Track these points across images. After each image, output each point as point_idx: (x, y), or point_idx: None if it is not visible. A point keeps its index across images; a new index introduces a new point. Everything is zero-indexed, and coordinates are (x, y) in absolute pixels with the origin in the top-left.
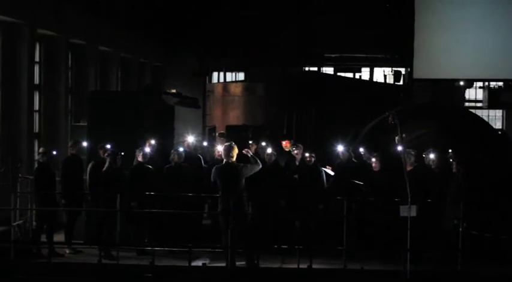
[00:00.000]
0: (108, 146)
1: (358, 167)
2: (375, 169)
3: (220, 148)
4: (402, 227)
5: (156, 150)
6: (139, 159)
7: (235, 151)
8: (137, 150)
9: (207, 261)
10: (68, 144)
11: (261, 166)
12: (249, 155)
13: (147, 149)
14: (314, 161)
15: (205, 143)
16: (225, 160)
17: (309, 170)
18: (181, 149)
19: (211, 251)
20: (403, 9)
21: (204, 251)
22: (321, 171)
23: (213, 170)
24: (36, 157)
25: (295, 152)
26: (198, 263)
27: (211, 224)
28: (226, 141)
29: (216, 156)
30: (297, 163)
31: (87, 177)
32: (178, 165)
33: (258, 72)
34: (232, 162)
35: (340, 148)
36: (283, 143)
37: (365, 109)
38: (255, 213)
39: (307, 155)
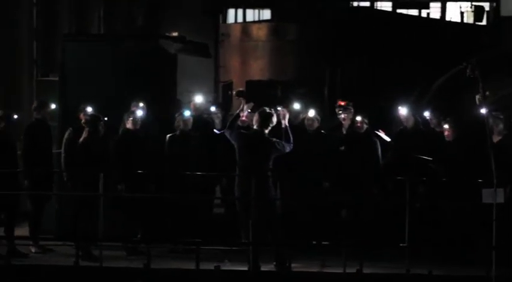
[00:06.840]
0: (90, 109)
1: (426, 136)
2: (447, 138)
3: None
4: (485, 217)
5: (151, 114)
6: (129, 126)
7: (274, 121)
8: (125, 115)
9: (225, 263)
10: (32, 106)
11: (291, 149)
12: (285, 126)
13: (139, 113)
14: (366, 128)
15: (213, 108)
16: (256, 127)
17: (360, 140)
18: (187, 113)
19: (226, 250)
20: None
21: (216, 249)
22: (375, 142)
23: (234, 133)
24: None
25: (342, 116)
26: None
27: (225, 212)
28: (247, 102)
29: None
30: (344, 131)
31: (63, 150)
32: (185, 134)
33: (289, 9)
34: (265, 133)
35: (403, 111)
36: (340, 103)
37: (435, 58)
38: (287, 199)
39: (358, 119)
